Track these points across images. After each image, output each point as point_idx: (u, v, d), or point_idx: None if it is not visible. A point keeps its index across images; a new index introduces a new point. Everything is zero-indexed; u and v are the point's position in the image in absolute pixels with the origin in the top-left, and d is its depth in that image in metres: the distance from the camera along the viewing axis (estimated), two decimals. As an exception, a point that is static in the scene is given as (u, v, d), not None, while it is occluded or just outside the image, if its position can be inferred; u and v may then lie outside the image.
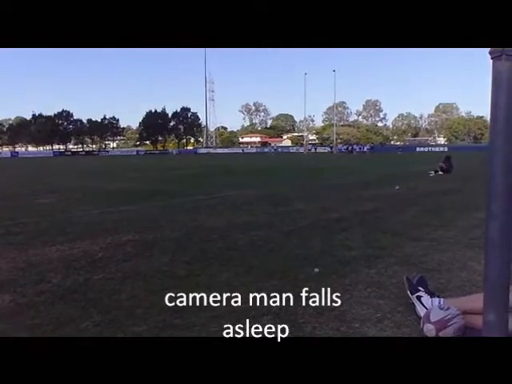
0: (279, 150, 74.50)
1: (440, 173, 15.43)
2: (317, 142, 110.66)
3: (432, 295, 2.84)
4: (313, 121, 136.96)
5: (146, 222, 6.84)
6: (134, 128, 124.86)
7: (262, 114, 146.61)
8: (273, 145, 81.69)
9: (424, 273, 3.76)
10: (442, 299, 2.79)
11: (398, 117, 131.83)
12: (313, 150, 70.67)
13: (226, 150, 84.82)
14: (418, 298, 2.84)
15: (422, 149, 69.50)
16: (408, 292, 2.93)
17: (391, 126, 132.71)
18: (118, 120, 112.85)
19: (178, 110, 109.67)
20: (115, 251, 4.84)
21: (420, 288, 2.90)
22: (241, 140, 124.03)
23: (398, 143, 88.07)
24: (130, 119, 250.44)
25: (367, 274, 3.84)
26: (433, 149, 68.36)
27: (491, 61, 0.89)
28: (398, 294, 3.22)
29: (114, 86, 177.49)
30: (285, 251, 4.74)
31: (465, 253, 4.50)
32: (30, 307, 3.21)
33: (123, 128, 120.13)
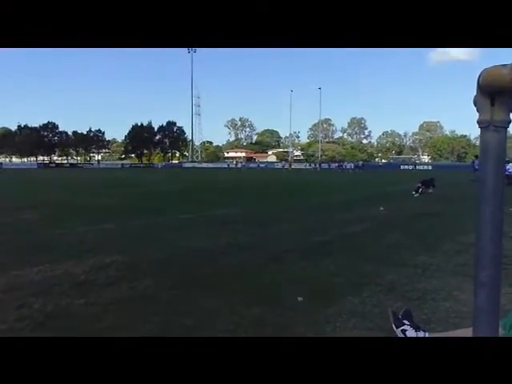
0: (244, 164, 74.99)
1: (425, 190, 15.66)
2: (302, 158, 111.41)
3: (417, 329, 2.83)
4: (298, 137, 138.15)
5: (131, 241, 6.77)
6: (120, 141, 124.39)
7: (248, 129, 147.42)
8: (240, 161, 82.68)
9: (408, 302, 3.77)
10: (427, 333, 2.79)
11: (383, 134, 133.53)
12: (286, 166, 70.73)
13: (210, 165, 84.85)
14: (403, 331, 2.83)
15: (405, 166, 70.35)
16: (393, 325, 2.93)
17: (376, 144, 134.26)
18: (103, 133, 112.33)
19: (164, 124, 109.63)
20: (98, 274, 4.77)
21: (405, 321, 2.90)
22: (226, 155, 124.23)
23: (383, 160, 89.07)
24: (116, 132, 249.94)
25: (351, 303, 3.84)
26: (417, 167, 69.21)
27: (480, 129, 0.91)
28: (383, 326, 3.22)
29: (100, 98, 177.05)
30: (268, 277, 4.72)
31: (449, 281, 4.52)
32: (9, 334, 3.13)
33: (108, 141, 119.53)
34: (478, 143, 0.94)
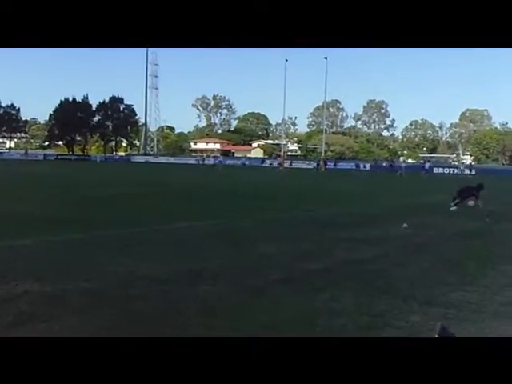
0: (221, 160, 73.19)
1: (469, 202, 15.86)
2: (299, 153, 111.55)
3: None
4: (294, 124, 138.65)
5: (52, 264, 6.72)
6: (42, 122, 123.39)
7: (225, 111, 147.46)
8: (213, 155, 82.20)
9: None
10: None
11: (411, 125, 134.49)
12: (277, 166, 70.73)
13: (171, 160, 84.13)
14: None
15: (441, 170, 71.10)
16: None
17: (400, 137, 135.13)
18: (18, 109, 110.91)
19: (106, 101, 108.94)
20: (4, 310, 4.74)
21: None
22: (193, 146, 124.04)
23: (409, 160, 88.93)
24: (37, 110, 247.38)
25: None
26: (455, 170, 69.98)
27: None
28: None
29: (15, 63, 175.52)
30: (246, 317, 4.72)
31: (493, 325, 4.59)
32: None
33: (26, 121, 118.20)
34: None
